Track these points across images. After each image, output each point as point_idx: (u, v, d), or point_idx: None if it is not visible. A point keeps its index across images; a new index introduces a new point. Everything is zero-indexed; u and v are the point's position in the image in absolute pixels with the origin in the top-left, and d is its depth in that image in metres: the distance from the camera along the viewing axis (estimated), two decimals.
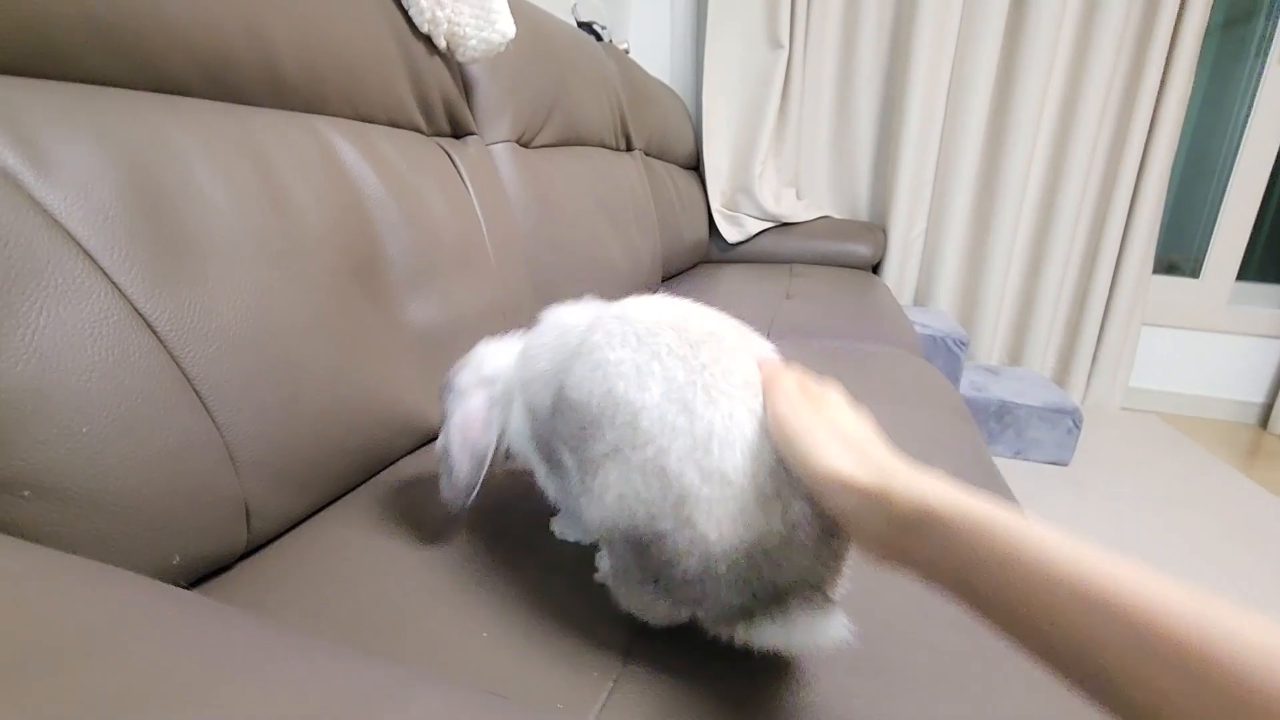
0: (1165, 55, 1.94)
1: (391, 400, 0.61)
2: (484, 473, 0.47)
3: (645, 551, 0.36)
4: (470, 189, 0.82)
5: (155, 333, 0.42)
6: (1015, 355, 2.26)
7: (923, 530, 0.27)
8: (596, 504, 0.38)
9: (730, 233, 2.16)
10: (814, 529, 0.34)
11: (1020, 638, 0.24)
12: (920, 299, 2.25)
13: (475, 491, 0.47)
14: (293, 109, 0.61)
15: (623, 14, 2.23)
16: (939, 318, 1.95)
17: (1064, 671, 0.23)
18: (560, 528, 0.53)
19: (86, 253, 0.39)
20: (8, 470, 0.34)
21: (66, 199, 0.39)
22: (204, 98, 0.53)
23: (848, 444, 0.33)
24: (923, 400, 0.91)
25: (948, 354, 1.75)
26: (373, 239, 0.64)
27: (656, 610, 0.40)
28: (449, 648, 0.40)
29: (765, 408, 0.36)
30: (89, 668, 0.20)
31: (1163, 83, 1.97)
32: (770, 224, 2.18)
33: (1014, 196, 2.06)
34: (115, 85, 0.46)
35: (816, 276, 1.89)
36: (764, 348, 0.41)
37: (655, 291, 1.48)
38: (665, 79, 2.29)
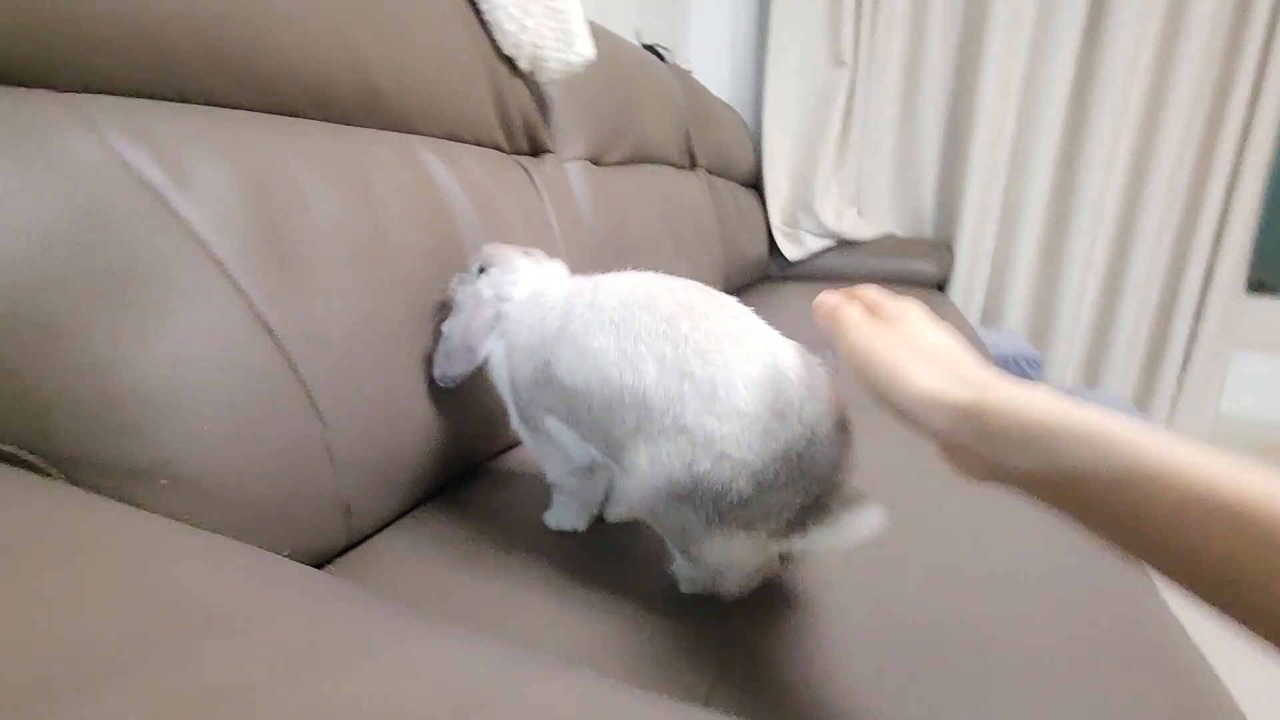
0: (1259, 60, 1.84)
1: (474, 404, 0.63)
2: (469, 373, 0.54)
3: (695, 495, 0.40)
4: (546, 204, 0.85)
5: (273, 336, 0.44)
6: (1092, 377, 2.16)
7: (1025, 444, 0.26)
8: (634, 476, 0.42)
9: (791, 250, 2.14)
10: (828, 423, 0.40)
11: (1141, 553, 0.22)
12: (989, 318, 2.18)
13: (461, 380, 0.54)
14: (388, 128, 0.64)
15: (684, 36, 2.27)
16: (1010, 337, 1.89)
17: (1195, 587, 0.21)
18: (555, 519, 0.56)
19: (218, 261, 0.42)
20: (148, 460, 0.37)
21: (202, 213, 0.43)
22: (311, 118, 0.56)
23: (935, 361, 0.33)
24: None
25: (1020, 375, 1.69)
26: (458, 251, 0.66)
27: (734, 552, 0.42)
28: (548, 647, 0.41)
29: (839, 345, 0.38)
30: (249, 635, 0.21)
31: (1256, 88, 1.87)
32: (832, 241, 2.16)
33: (1090, 210, 1.99)
34: (238, 108, 0.50)
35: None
36: (728, 299, 0.45)
37: None
38: (725, 97, 2.31)
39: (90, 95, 0.41)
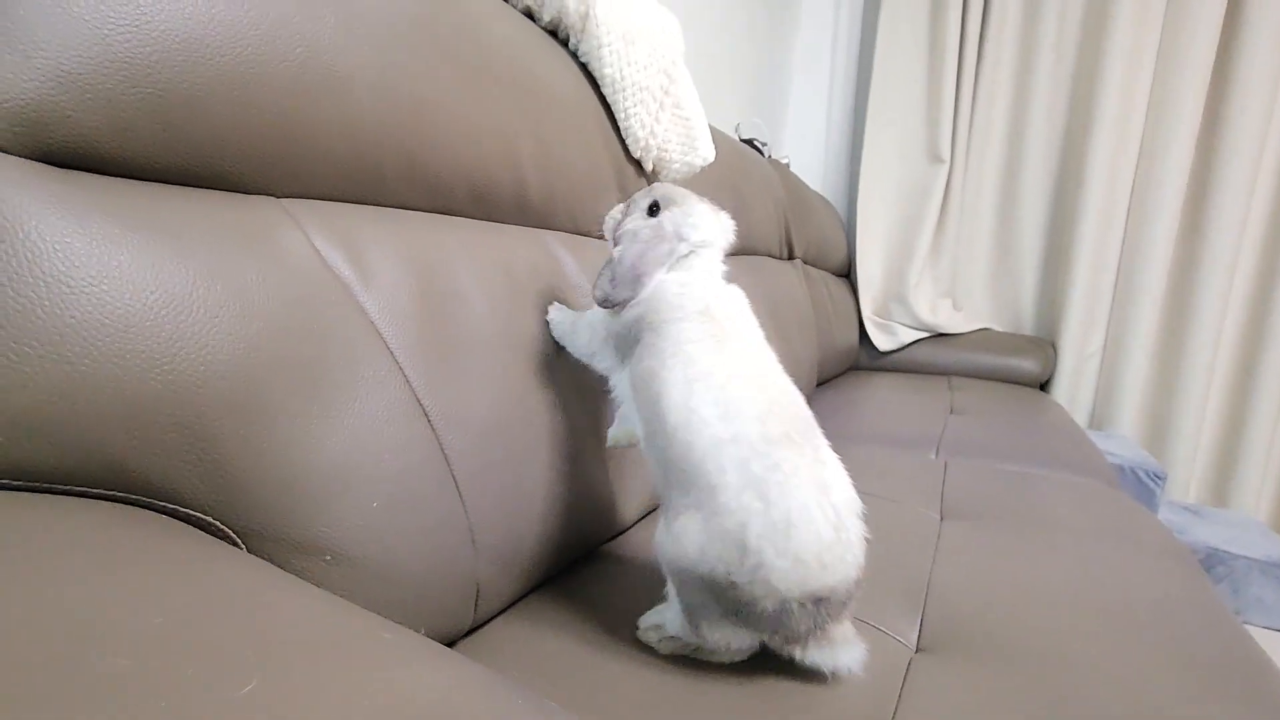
0: None
1: (593, 495, 0.64)
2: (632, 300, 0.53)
3: (723, 594, 0.44)
4: None
5: (429, 421, 0.47)
6: (1220, 494, 1.97)
7: None
8: (675, 544, 0.45)
9: (882, 340, 2.11)
10: (855, 577, 0.45)
11: None
12: (1097, 422, 2.05)
13: (623, 305, 0.54)
14: (530, 225, 0.69)
15: (780, 130, 2.35)
16: (1123, 444, 1.76)
17: None
18: (613, 436, 0.62)
19: (389, 350, 0.46)
20: (317, 536, 0.39)
21: (379, 304, 0.47)
22: (469, 217, 0.61)
23: None
24: (1130, 541, 0.81)
25: (1139, 487, 1.57)
26: None
27: (733, 641, 0.46)
28: None
29: None
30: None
31: None
32: (925, 334, 2.11)
33: (1214, 308, 1.87)
34: (411, 209, 0.55)
35: (979, 391, 1.79)
36: (823, 441, 0.48)
37: (809, 397, 1.46)
38: (818, 188, 2.36)
39: (298, 200, 0.46)
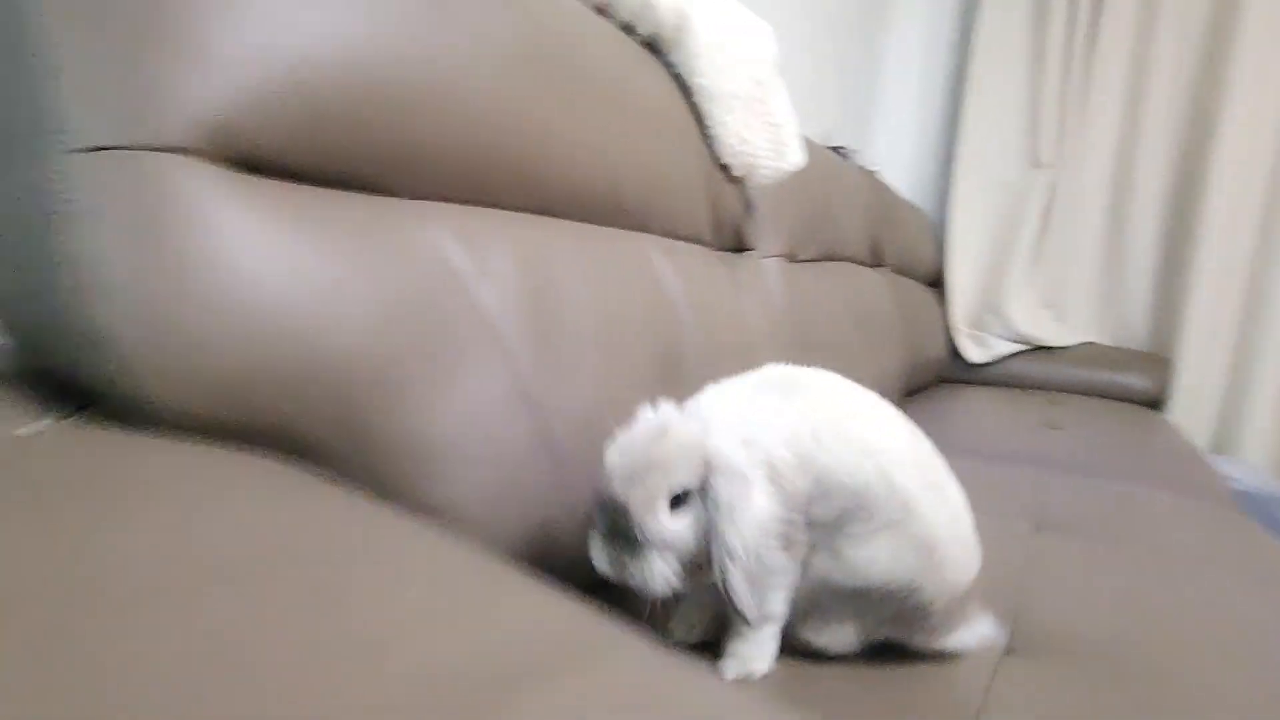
0: None
1: None
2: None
3: (891, 602, 0.46)
4: (748, 298, 0.90)
5: (532, 403, 0.51)
6: None
7: None
8: (854, 574, 0.45)
9: (973, 352, 2.03)
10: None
11: None
12: (1220, 445, 1.89)
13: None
14: (625, 227, 0.73)
15: (869, 135, 2.31)
16: (1248, 471, 1.62)
17: None
18: (755, 661, 0.47)
19: (501, 337, 0.50)
20: (437, 499, 0.44)
21: (493, 295, 0.51)
22: (571, 219, 0.65)
23: None
24: (1249, 566, 0.76)
25: (1268, 517, 1.44)
26: (676, 337, 0.72)
27: (845, 641, 0.49)
28: None
29: None
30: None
31: None
32: (1022, 346, 2.02)
33: None
34: (521, 210, 0.60)
35: (1082, 408, 1.69)
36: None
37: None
38: (908, 195, 2.30)
39: (425, 201, 0.51)
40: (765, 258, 1.02)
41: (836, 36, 1.94)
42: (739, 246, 0.96)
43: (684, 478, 0.41)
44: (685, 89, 0.81)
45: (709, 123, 0.83)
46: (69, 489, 0.28)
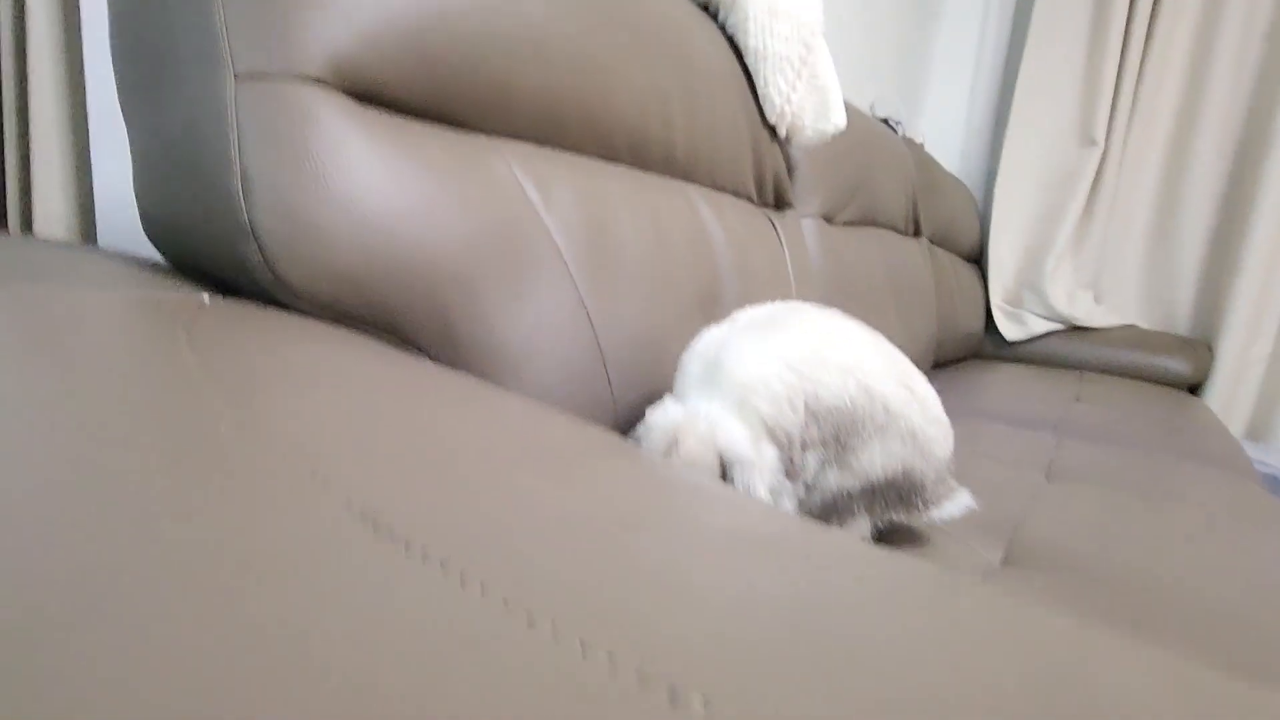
0: None
1: None
2: None
3: (903, 487, 0.53)
4: (786, 252, 0.95)
5: (590, 320, 0.58)
6: None
7: None
8: (861, 476, 0.52)
9: (1010, 330, 2.04)
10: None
11: None
12: (1258, 433, 1.88)
13: None
14: (675, 176, 0.79)
15: (917, 107, 2.30)
16: None
17: None
18: None
19: (563, 259, 0.57)
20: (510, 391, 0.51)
21: (558, 224, 0.58)
22: (627, 165, 0.72)
23: None
24: (1261, 525, 0.80)
25: None
26: (715, 280, 0.78)
27: (862, 530, 0.55)
28: None
29: None
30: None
31: None
32: (1059, 325, 2.02)
33: None
34: (583, 153, 0.66)
35: (1114, 387, 1.70)
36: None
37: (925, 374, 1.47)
38: (955, 170, 2.29)
39: (503, 138, 0.58)
40: (804, 216, 1.07)
41: (891, 6, 1.94)
42: (779, 204, 1.01)
43: (707, 466, 0.51)
44: (737, 50, 0.86)
45: (758, 83, 0.88)
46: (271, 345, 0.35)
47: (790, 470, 0.52)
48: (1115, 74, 1.94)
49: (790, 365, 0.52)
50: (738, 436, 0.51)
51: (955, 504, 0.56)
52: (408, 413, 0.25)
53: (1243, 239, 1.83)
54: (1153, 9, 1.90)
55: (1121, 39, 1.93)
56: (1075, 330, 2.02)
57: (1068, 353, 2.00)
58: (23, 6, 0.75)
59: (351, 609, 0.13)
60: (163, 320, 0.33)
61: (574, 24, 0.60)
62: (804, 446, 0.52)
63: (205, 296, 0.42)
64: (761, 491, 0.50)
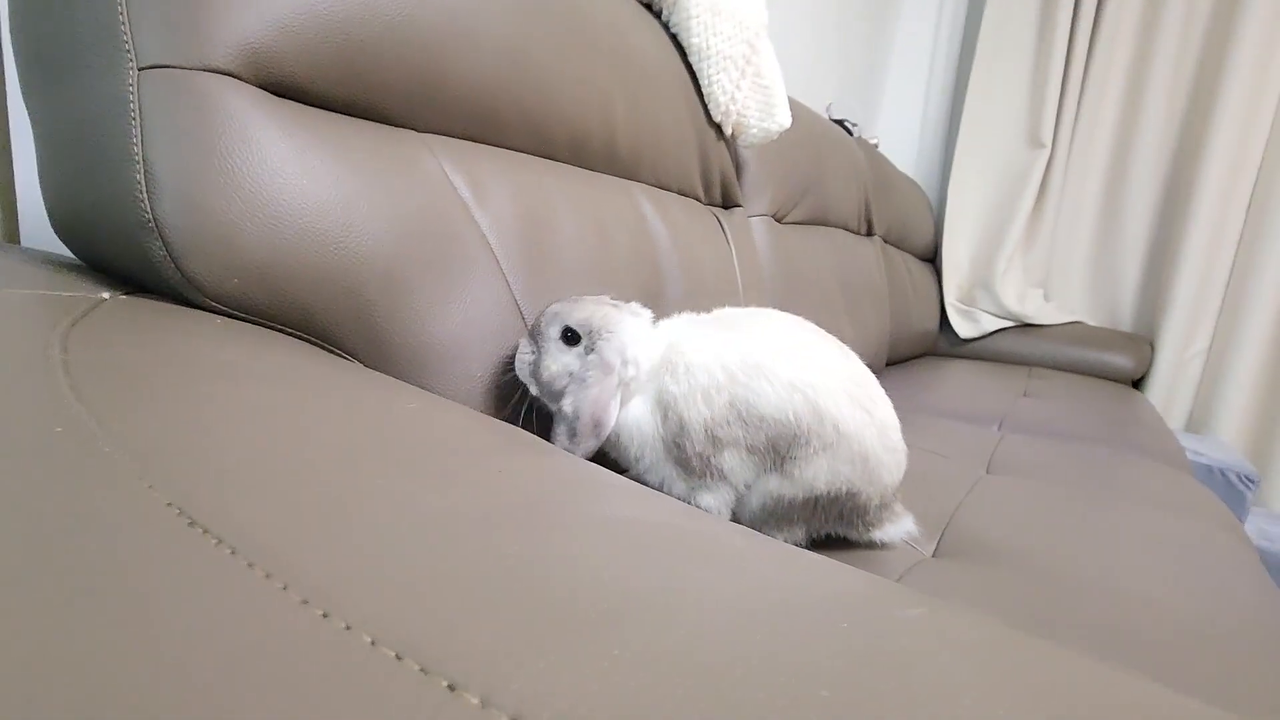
0: None
1: None
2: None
3: (834, 508, 0.54)
4: (733, 251, 0.96)
5: (524, 316, 0.58)
6: None
7: None
8: (803, 488, 0.52)
9: (963, 327, 2.09)
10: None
11: None
12: (1195, 425, 1.95)
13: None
14: (617, 175, 0.79)
15: (874, 109, 2.34)
16: (1219, 448, 1.69)
17: None
18: None
19: (495, 256, 0.57)
20: (436, 391, 0.50)
21: (490, 221, 0.57)
22: (567, 163, 0.71)
23: None
24: (1181, 509, 0.82)
25: (1228, 490, 1.51)
26: (657, 277, 0.78)
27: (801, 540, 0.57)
28: None
29: None
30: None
31: None
32: (1010, 323, 2.07)
33: None
34: (521, 151, 0.66)
35: (1060, 382, 1.75)
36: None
37: (878, 373, 1.50)
38: (910, 171, 2.34)
39: (434, 135, 0.57)
40: (753, 215, 1.08)
41: (847, 9, 1.97)
42: (727, 203, 1.02)
43: (578, 321, 0.53)
44: (681, 49, 0.87)
45: (702, 81, 0.88)
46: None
47: (682, 459, 0.53)
48: (1061, 79, 2.00)
49: (724, 366, 0.52)
50: (630, 341, 0.52)
51: (897, 528, 0.57)
52: (272, 409, 0.24)
53: (1181, 239, 1.90)
54: (1095, 18, 1.96)
55: (1066, 46, 1.98)
56: (1025, 327, 2.07)
57: (1018, 349, 2.05)
58: None
59: (141, 595, 0.12)
60: (45, 318, 0.32)
61: (508, 20, 0.60)
62: (717, 444, 0.52)
63: (105, 294, 0.41)
64: (597, 394, 0.50)
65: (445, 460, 0.24)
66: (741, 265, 0.97)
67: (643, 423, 0.54)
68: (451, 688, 0.11)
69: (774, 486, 0.53)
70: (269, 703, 0.10)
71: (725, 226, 0.96)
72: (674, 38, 0.86)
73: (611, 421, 0.52)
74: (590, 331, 0.53)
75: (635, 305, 0.57)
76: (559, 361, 0.53)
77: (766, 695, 0.12)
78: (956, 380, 1.65)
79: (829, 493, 0.53)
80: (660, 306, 0.79)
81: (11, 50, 0.48)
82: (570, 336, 0.53)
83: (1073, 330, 2.05)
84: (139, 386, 0.24)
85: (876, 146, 1.94)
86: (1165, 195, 1.98)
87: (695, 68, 0.87)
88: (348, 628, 0.12)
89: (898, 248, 1.88)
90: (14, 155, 0.77)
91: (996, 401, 1.40)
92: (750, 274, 0.99)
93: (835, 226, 1.40)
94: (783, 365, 0.51)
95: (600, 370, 0.51)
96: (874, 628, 0.16)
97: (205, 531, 0.14)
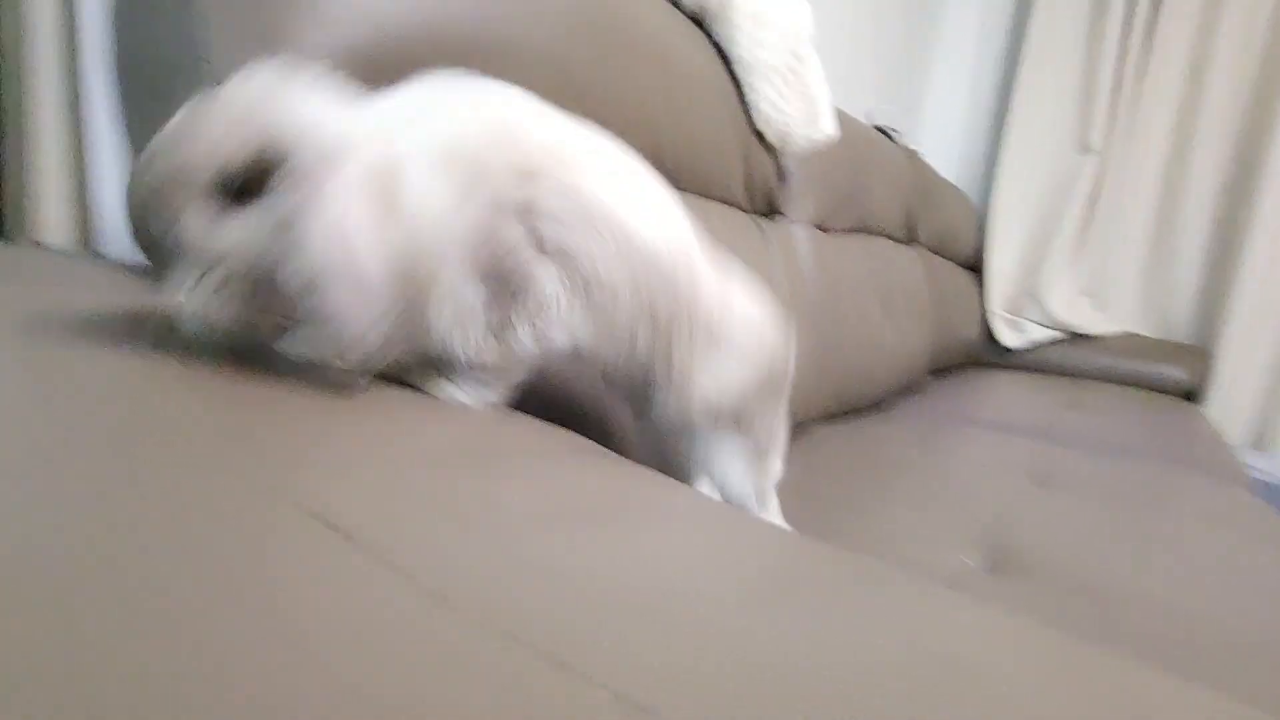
0: None
1: None
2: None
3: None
4: (775, 259, 0.96)
5: None
6: None
7: None
8: (718, 391, 0.44)
9: (1008, 337, 2.04)
10: None
11: None
12: (1258, 440, 1.87)
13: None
14: None
15: (915, 114, 2.31)
16: None
17: None
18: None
19: None
20: None
21: None
22: None
23: None
24: (1246, 532, 0.79)
25: None
26: None
27: None
28: None
29: None
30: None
31: None
32: (1058, 333, 2.02)
33: None
34: None
35: (1111, 394, 1.70)
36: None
37: (921, 384, 1.47)
38: (953, 177, 2.30)
39: None
40: (795, 224, 1.08)
41: (888, 15, 1.95)
42: (770, 211, 1.02)
43: (208, 152, 0.28)
44: (726, 59, 0.87)
45: (746, 92, 0.89)
46: None
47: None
48: (1112, 82, 1.95)
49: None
50: (324, 124, 0.29)
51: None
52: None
53: (1241, 245, 1.83)
54: (1150, 17, 1.91)
55: (1119, 47, 1.93)
56: (1074, 338, 2.02)
57: (1066, 360, 1.99)
58: (21, 18, 0.76)
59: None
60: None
61: (552, 32, 0.62)
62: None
63: None
64: (335, 223, 0.28)
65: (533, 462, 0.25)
66: (782, 273, 0.97)
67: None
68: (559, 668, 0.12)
69: (703, 394, 0.44)
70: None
71: (767, 234, 0.97)
72: (718, 48, 0.87)
73: (377, 263, 0.30)
74: (257, 150, 0.28)
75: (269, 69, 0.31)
76: (250, 236, 0.28)
77: None
78: (1001, 391, 1.62)
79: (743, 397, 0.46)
80: None
81: (110, 70, 0.51)
82: (232, 187, 0.28)
83: (1124, 341, 1.99)
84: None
85: (918, 154, 1.91)
86: (1224, 200, 1.91)
87: (739, 78, 0.88)
88: (466, 614, 0.13)
89: (940, 255, 1.86)
90: (91, 169, 0.82)
91: (1042, 413, 1.37)
92: (792, 281, 0.99)
93: (877, 234, 1.39)
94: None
95: (302, 183, 0.28)
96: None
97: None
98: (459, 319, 0.33)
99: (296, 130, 0.28)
